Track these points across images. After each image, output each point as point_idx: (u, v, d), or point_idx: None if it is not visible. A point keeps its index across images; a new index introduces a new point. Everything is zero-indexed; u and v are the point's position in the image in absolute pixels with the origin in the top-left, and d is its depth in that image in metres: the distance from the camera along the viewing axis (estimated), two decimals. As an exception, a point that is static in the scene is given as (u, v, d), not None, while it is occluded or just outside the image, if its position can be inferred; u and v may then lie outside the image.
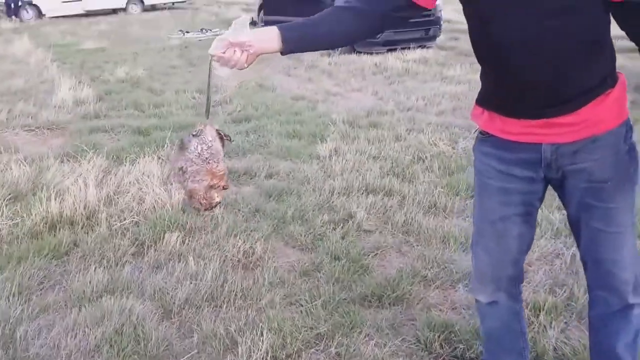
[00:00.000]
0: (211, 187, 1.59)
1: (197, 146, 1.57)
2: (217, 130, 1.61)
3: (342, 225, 3.27)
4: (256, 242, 3.03)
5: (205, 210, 1.64)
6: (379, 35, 9.33)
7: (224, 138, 1.62)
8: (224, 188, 1.62)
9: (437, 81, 7.27)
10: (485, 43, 1.54)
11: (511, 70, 1.50)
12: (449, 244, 3.05)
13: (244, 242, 3.02)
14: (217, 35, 1.61)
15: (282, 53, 1.53)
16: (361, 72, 8.10)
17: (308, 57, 9.46)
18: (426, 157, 4.33)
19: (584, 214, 1.58)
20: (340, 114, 5.69)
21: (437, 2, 10.04)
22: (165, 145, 4.49)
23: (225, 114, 5.77)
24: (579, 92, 1.47)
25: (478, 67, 1.68)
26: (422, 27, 9.77)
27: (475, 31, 1.56)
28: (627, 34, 1.44)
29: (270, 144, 4.82)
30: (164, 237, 3.08)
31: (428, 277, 2.75)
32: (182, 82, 7.63)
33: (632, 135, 1.55)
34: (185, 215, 3.32)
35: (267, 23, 11.07)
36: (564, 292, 2.56)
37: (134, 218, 3.35)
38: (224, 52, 1.47)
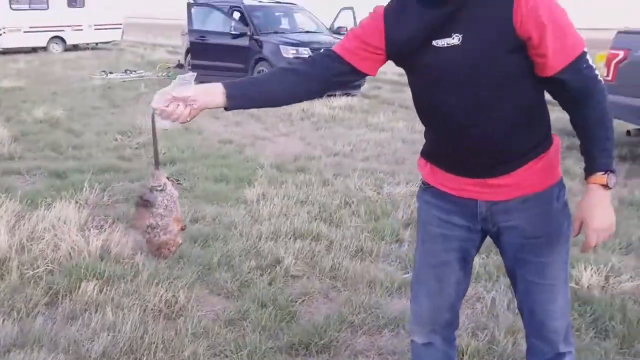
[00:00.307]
0: (177, 233, 1.65)
1: (163, 200, 1.61)
2: (167, 177, 1.66)
3: (269, 271, 3.22)
4: (179, 290, 2.93)
5: (172, 254, 1.68)
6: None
7: (175, 183, 1.68)
8: (184, 229, 1.68)
9: (362, 128, 7.46)
10: (428, 110, 1.63)
11: (451, 135, 1.58)
12: (375, 288, 3.07)
13: (167, 290, 2.91)
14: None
15: (226, 109, 1.56)
16: (289, 117, 8.19)
17: (235, 101, 9.48)
18: (353, 202, 4.38)
19: (520, 267, 1.66)
20: (268, 158, 5.71)
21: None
22: (84, 189, 4.31)
23: (150, 156, 5.63)
24: (513, 157, 1.56)
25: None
26: (347, 75, 10.05)
27: (418, 99, 1.64)
28: (559, 103, 1.55)
29: (197, 187, 4.74)
30: (80, 286, 2.92)
31: (355, 323, 2.74)
32: (103, 124, 7.42)
33: (565, 194, 1.64)
34: (104, 263, 3.17)
35: (194, 67, 11.06)
36: (486, 335, 2.62)
37: (48, 266, 3.16)
38: (167, 106, 1.50)
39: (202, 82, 1.59)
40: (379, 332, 2.69)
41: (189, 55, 11.62)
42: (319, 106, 8.81)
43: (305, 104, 9.08)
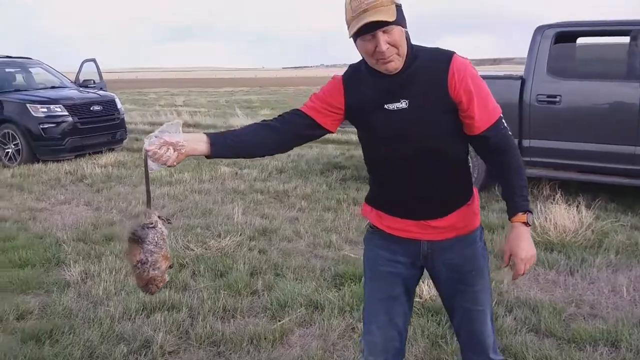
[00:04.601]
0: (164, 270, 1.74)
1: (153, 237, 1.70)
2: (158, 216, 1.74)
3: (144, 353, 3.02)
4: (60, 398, 2.58)
5: (158, 291, 1.77)
6: (66, 141, 8.85)
7: (165, 222, 1.76)
8: (171, 266, 1.78)
9: (148, 184, 7.21)
10: (377, 162, 1.91)
11: (397, 184, 1.87)
12: (260, 343, 3.12)
13: (45, 402, 2.54)
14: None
15: (208, 156, 1.77)
16: (58, 183, 7.50)
17: (-17, 171, 8.30)
18: (187, 262, 4.30)
19: (457, 297, 1.97)
20: (64, 231, 5.19)
21: (120, 106, 10.08)
22: None
23: None
24: (449, 202, 1.89)
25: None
26: (108, 131, 9.63)
27: (370, 153, 1.92)
28: (483, 158, 1.90)
29: (-3, 279, 4.10)
30: None
31: (261, 381, 2.77)
32: None
33: (483, 235, 2.01)
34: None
35: None
36: None
37: None
38: (159, 149, 1.65)
39: None
40: (287, 384, 2.77)
41: None
42: (88, 167, 8.24)
43: (68, 165, 8.44)
